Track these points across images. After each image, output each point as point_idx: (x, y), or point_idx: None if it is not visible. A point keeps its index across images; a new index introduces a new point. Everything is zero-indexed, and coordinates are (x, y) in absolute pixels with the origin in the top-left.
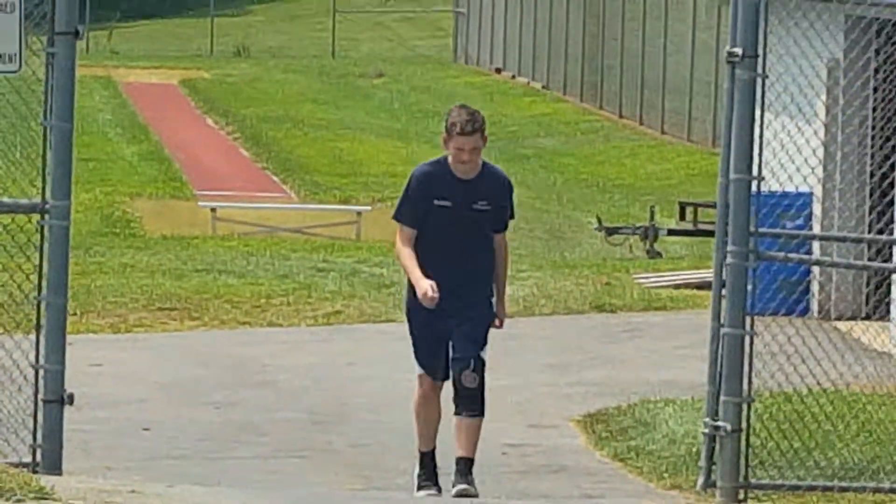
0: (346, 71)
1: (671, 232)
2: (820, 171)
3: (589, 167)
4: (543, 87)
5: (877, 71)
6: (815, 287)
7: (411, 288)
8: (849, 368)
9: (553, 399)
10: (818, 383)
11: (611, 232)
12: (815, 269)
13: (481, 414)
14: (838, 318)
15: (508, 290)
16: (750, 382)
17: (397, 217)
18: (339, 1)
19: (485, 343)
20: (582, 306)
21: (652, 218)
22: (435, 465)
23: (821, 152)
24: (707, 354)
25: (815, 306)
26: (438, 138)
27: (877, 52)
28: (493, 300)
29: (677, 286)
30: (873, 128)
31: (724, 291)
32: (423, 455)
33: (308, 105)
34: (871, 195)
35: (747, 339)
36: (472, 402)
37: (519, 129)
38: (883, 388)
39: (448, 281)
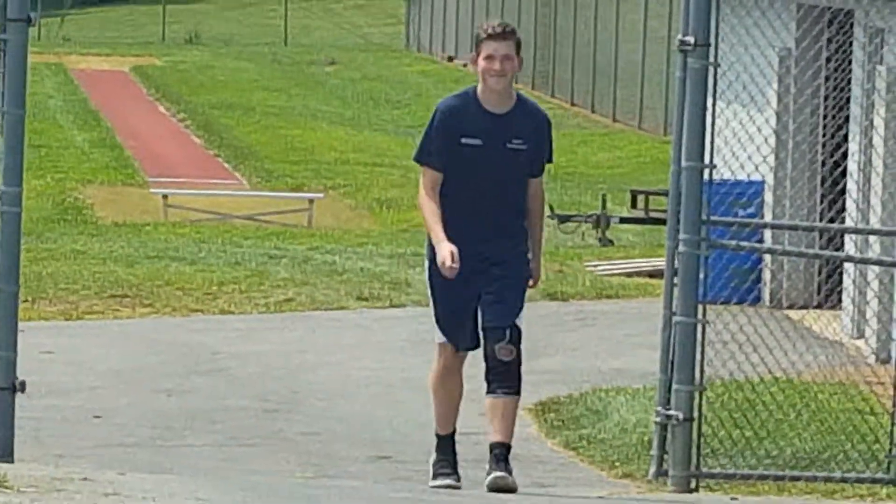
0: (298, 58)
1: (623, 220)
2: (772, 159)
3: None
4: None
5: (828, 60)
6: (766, 275)
7: (432, 245)
8: (800, 357)
9: None
10: (770, 372)
11: (563, 220)
12: (767, 258)
13: (518, 392)
14: (790, 307)
15: None
16: (702, 371)
17: (419, 158)
18: None
19: (521, 307)
20: (533, 294)
21: (604, 206)
22: (454, 451)
23: (772, 141)
24: (659, 343)
25: (766, 295)
26: (390, 126)
27: (828, 41)
28: (529, 256)
29: (629, 274)
30: (825, 117)
31: (675, 280)
32: (440, 439)
33: (260, 92)
34: (822, 184)
35: (699, 327)
36: (508, 378)
37: None
38: (834, 376)
39: (477, 233)
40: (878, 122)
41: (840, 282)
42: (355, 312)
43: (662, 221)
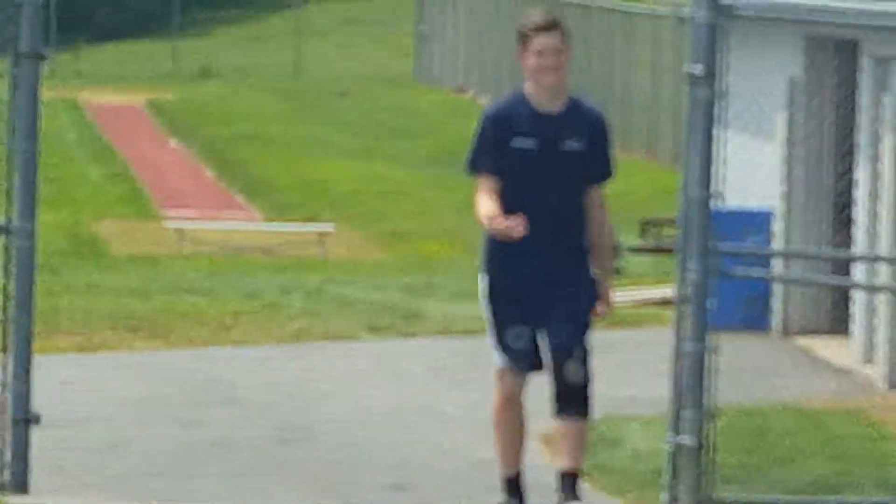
0: (310, 91)
1: (633, 249)
2: (780, 188)
3: None
4: None
5: (835, 89)
6: (775, 303)
7: (489, 250)
8: (810, 384)
9: None
10: (779, 399)
11: None
12: (776, 286)
13: (587, 415)
14: (799, 334)
15: (473, 306)
16: (712, 398)
17: (470, 167)
18: (304, 21)
19: (588, 326)
20: None
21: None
22: (522, 496)
23: (780, 169)
24: (669, 371)
25: (775, 322)
26: (404, 155)
27: (835, 70)
28: (593, 273)
29: (640, 303)
30: (832, 145)
31: (685, 308)
32: (507, 483)
33: (273, 125)
34: (830, 211)
35: (709, 354)
36: (576, 401)
37: None
38: (844, 403)
39: (537, 246)
40: (885, 150)
41: (848, 308)
42: (369, 343)
43: (672, 251)
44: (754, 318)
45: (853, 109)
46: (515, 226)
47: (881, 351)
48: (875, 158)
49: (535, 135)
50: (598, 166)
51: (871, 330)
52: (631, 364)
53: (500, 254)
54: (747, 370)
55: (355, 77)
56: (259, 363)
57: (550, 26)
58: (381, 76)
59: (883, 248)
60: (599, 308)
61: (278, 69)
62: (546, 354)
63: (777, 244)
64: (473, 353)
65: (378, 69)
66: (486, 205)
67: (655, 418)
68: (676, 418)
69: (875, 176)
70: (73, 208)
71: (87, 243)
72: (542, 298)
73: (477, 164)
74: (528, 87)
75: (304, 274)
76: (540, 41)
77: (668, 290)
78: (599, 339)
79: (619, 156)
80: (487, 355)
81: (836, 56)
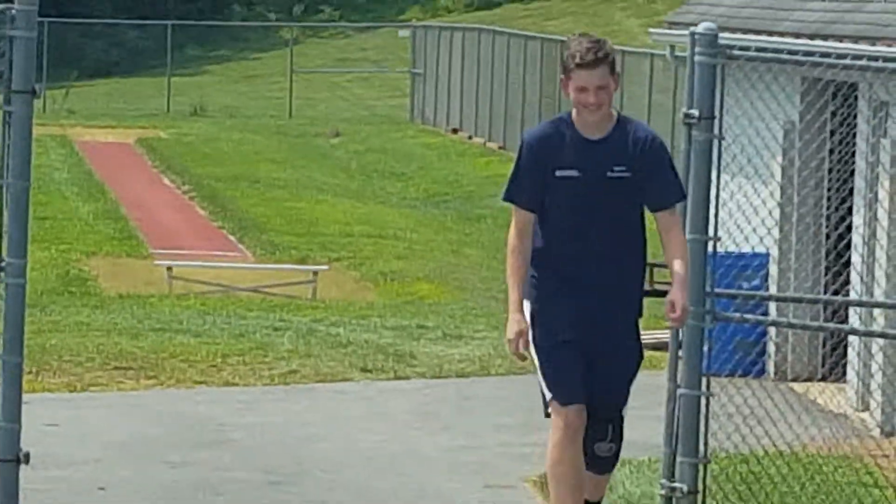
0: (302, 131)
1: None
2: (776, 231)
3: None
4: (499, 147)
5: (832, 133)
6: (771, 348)
7: (535, 287)
8: (805, 430)
9: (509, 459)
10: (774, 445)
11: None
12: (772, 330)
13: (612, 470)
14: (794, 380)
15: (465, 348)
16: (706, 443)
17: (507, 196)
18: (296, 61)
19: (629, 390)
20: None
21: None
22: None
23: (777, 213)
24: (663, 415)
25: (771, 367)
26: (394, 198)
27: (833, 113)
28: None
29: None
30: (829, 189)
31: (680, 352)
32: None
33: (265, 164)
34: (826, 256)
35: (703, 399)
36: (604, 467)
37: (475, 190)
38: (839, 449)
39: (582, 284)
40: (883, 194)
41: (844, 354)
42: (359, 384)
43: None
44: (750, 363)
45: (851, 153)
46: (517, 353)
47: (877, 397)
48: (873, 203)
49: (580, 162)
50: (654, 191)
51: (866, 376)
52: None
53: (546, 291)
54: (742, 415)
55: (348, 117)
56: (249, 404)
57: (596, 62)
58: (374, 117)
59: (880, 294)
60: (672, 315)
61: (271, 108)
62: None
63: (772, 288)
64: (463, 397)
65: (371, 109)
66: (514, 280)
67: (648, 462)
68: (671, 463)
69: (872, 220)
70: (63, 246)
71: (77, 281)
72: (589, 343)
73: (513, 195)
74: (574, 113)
75: (295, 314)
76: (582, 77)
77: (662, 334)
78: None
79: None
80: (476, 398)
81: (834, 99)
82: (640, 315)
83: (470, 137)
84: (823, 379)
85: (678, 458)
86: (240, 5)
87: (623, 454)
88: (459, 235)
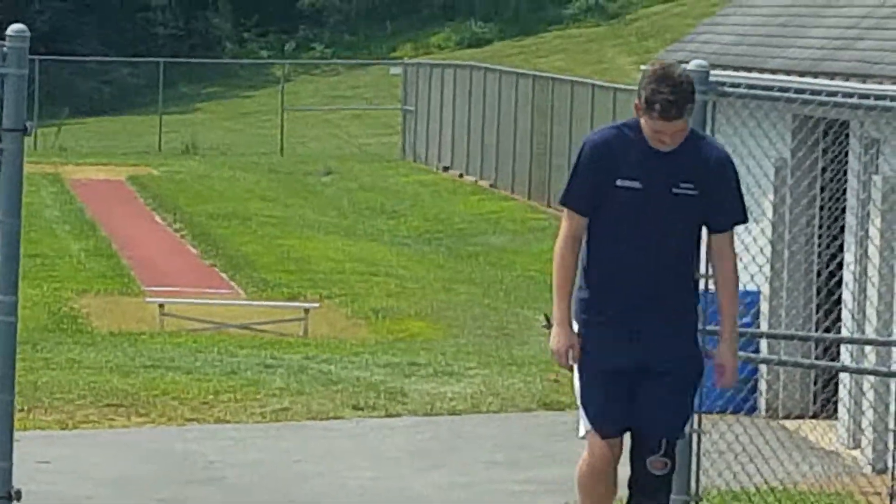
0: (294, 168)
1: None
2: (767, 269)
3: (537, 265)
4: (491, 185)
5: (824, 170)
6: (762, 385)
7: (583, 304)
8: (796, 467)
9: (501, 497)
10: (766, 482)
11: None
12: (763, 368)
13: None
14: (786, 417)
15: (457, 386)
16: (698, 481)
17: (563, 199)
18: (287, 98)
19: (688, 412)
20: (530, 404)
21: None
22: None
23: (768, 251)
24: None
25: (762, 404)
26: (385, 236)
27: (824, 151)
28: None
29: None
30: (820, 226)
31: None
32: None
33: (256, 202)
34: (818, 294)
35: (695, 437)
36: (657, 493)
37: (467, 227)
38: (831, 487)
39: (634, 302)
40: (874, 231)
41: (836, 391)
42: (351, 422)
43: None
44: (741, 401)
45: (842, 191)
46: (565, 365)
47: (868, 434)
48: (864, 240)
49: (645, 174)
50: (718, 212)
51: (858, 413)
52: None
53: (595, 309)
54: (734, 452)
55: (340, 155)
56: (240, 442)
57: (675, 116)
58: (365, 154)
59: (871, 331)
60: (722, 380)
61: (263, 146)
62: (631, 434)
63: (763, 326)
64: (454, 435)
65: (363, 147)
66: (562, 290)
67: None
68: None
69: (864, 258)
70: (55, 284)
71: (69, 319)
72: (640, 363)
73: (568, 197)
74: (643, 120)
75: (286, 352)
76: (660, 125)
77: None
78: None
79: None
80: (468, 436)
81: (825, 137)
82: (696, 334)
83: (461, 175)
84: (815, 416)
85: (671, 496)
86: (231, 42)
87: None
88: (451, 273)
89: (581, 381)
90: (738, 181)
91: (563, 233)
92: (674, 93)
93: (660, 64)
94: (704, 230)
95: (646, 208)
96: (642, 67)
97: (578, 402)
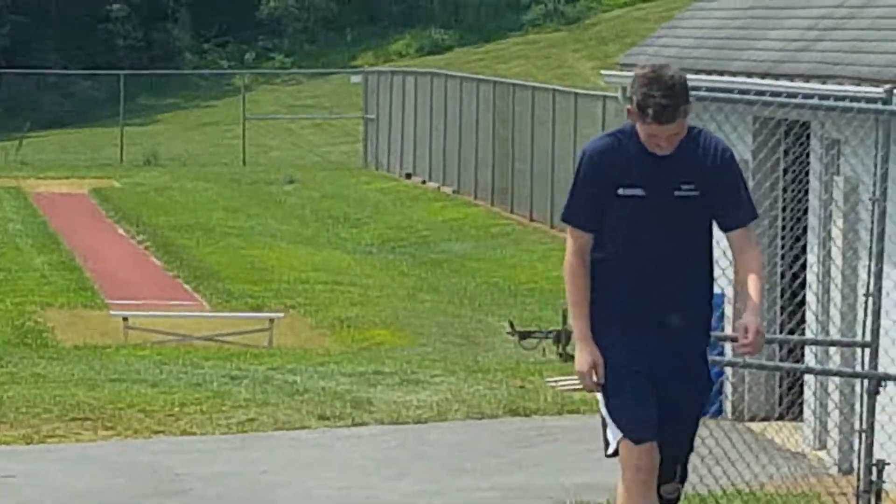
0: (256, 178)
1: None
2: (730, 272)
3: (501, 271)
4: (454, 191)
5: (785, 172)
6: (728, 388)
7: (597, 312)
8: (763, 469)
9: None
10: (732, 484)
11: (523, 336)
12: (728, 370)
13: None
14: (752, 419)
15: (423, 394)
16: None
17: (566, 216)
18: (248, 108)
19: (696, 428)
20: (496, 410)
21: (564, 321)
22: None
23: (731, 254)
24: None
25: (728, 407)
26: (349, 244)
27: (785, 152)
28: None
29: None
30: (783, 228)
31: None
32: None
33: (219, 212)
34: (781, 295)
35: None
36: None
37: (430, 234)
38: (797, 488)
39: (646, 315)
40: (836, 232)
41: (801, 393)
42: (317, 432)
43: None
44: (707, 404)
45: (804, 192)
46: (592, 383)
47: (833, 436)
48: (826, 241)
49: (646, 179)
50: (727, 208)
51: (823, 415)
52: (583, 451)
53: (606, 322)
54: (700, 455)
55: (302, 164)
56: (206, 453)
57: (670, 120)
58: (327, 163)
59: (835, 332)
60: (743, 340)
61: (224, 156)
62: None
63: (727, 329)
64: (421, 443)
65: (324, 156)
66: (579, 306)
67: None
68: None
69: (826, 259)
70: (18, 298)
71: (33, 333)
72: (656, 377)
73: (572, 214)
74: (638, 125)
75: (251, 363)
76: (654, 129)
77: None
78: (550, 425)
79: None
80: (434, 444)
81: (787, 138)
82: (709, 344)
83: (424, 182)
84: (780, 418)
85: None
86: (191, 53)
87: (583, 497)
88: (415, 280)
89: (606, 390)
90: (741, 173)
91: (570, 250)
92: (666, 96)
93: (650, 66)
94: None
95: (650, 214)
96: (602, 72)
97: (604, 413)
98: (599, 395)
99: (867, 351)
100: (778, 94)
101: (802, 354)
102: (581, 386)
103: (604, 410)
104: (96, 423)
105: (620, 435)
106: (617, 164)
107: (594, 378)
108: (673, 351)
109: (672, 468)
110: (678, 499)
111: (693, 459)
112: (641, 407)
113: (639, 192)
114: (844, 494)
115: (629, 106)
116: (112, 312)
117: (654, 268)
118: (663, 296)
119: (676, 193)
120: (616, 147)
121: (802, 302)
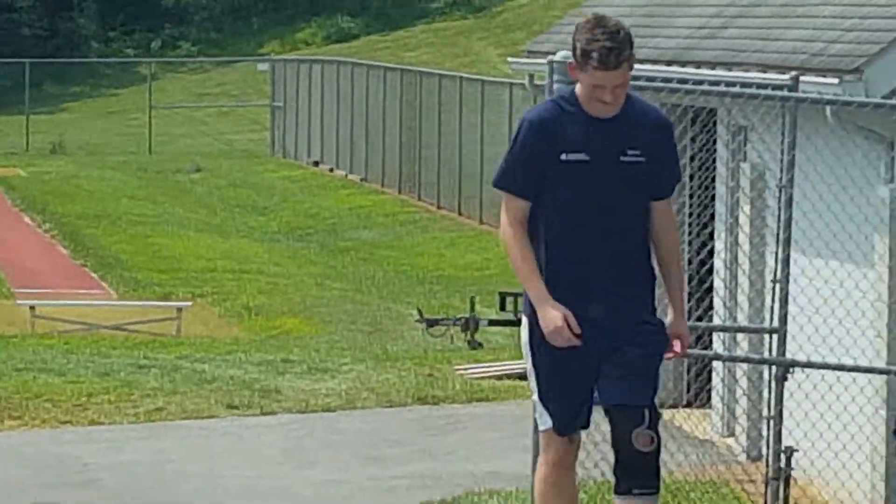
0: (163, 166)
1: (492, 322)
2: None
3: (409, 259)
4: (362, 179)
5: (692, 159)
6: None
7: (531, 302)
8: (671, 457)
9: (377, 493)
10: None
11: (431, 324)
12: None
13: (658, 490)
14: (660, 406)
15: (331, 382)
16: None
17: (501, 183)
18: (155, 96)
19: (657, 383)
20: (404, 399)
21: (472, 309)
22: None
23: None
24: (530, 445)
25: None
26: (256, 233)
27: (692, 139)
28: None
29: (499, 377)
30: (690, 215)
31: None
32: None
33: (126, 201)
34: (689, 282)
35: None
36: (647, 475)
37: (338, 222)
38: (706, 475)
39: (592, 283)
40: (743, 219)
41: (709, 380)
42: (226, 421)
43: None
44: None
45: (711, 178)
46: (568, 337)
47: (742, 423)
48: (734, 227)
49: (589, 144)
50: (664, 177)
51: (731, 402)
52: (491, 439)
53: (550, 289)
54: (608, 443)
55: (209, 152)
56: (115, 443)
57: (615, 64)
58: (234, 151)
59: (743, 319)
60: (676, 349)
61: (131, 145)
62: (609, 416)
63: None
64: (330, 431)
65: (231, 144)
66: (528, 269)
67: (516, 493)
68: None
69: (734, 245)
70: None
71: None
72: (602, 346)
73: (507, 180)
74: (580, 91)
75: (159, 352)
76: (598, 78)
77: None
78: (459, 413)
79: (476, 228)
80: (343, 432)
81: (693, 125)
82: (654, 306)
83: (331, 170)
84: (689, 405)
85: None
86: (97, 42)
87: (491, 485)
88: (323, 268)
89: (538, 376)
90: (675, 144)
91: (506, 219)
92: (610, 39)
93: (592, 15)
94: None
95: (595, 180)
96: (509, 59)
97: (534, 398)
98: (531, 377)
99: (775, 337)
100: (685, 82)
101: (710, 341)
102: (557, 340)
103: (535, 395)
104: (2, 414)
105: (548, 424)
106: (559, 130)
107: (574, 330)
108: (620, 315)
109: (640, 413)
110: (657, 455)
111: (602, 447)
112: (572, 400)
113: (582, 156)
114: (753, 481)
115: (571, 61)
116: (19, 301)
117: (598, 233)
118: (610, 266)
119: (622, 158)
120: (558, 112)
121: (710, 289)
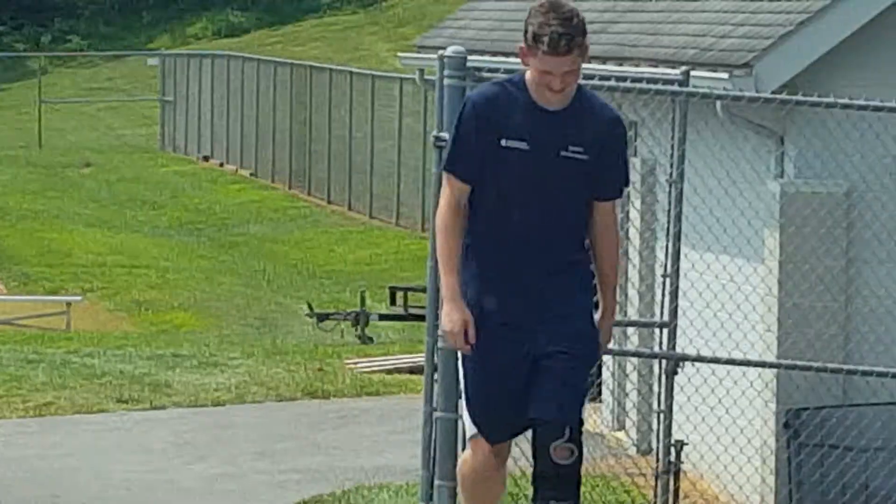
0: (53, 161)
1: (382, 317)
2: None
3: (298, 253)
4: (252, 174)
5: None
6: None
7: (461, 285)
8: None
9: (267, 487)
10: (530, 465)
11: (322, 318)
12: None
13: (577, 501)
14: None
15: (221, 377)
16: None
17: (447, 164)
18: (45, 91)
19: (585, 393)
20: (294, 393)
21: (362, 303)
22: None
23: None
24: (420, 439)
25: None
26: (146, 227)
27: None
28: (595, 315)
29: (389, 371)
30: None
31: (436, 375)
32: None
33: (15, 195)
34: None
35: (460, 422)
36: (565, 486)
37: (228, 217)
38: (596, 469)
39: (523, 279)
40: (634, 214)
41: (599, 374)
42: (116, 415)
43: (421, 318)
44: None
45: None
46: (464, 345)
47: (632, 416)
48: (624, 222)
49: (531, 134)
50: (608, 179)
51: (621, 395)
52: (381, 432)
53: (473, 290)
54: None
55: (99, 147)
56: (3, 437)
57: (566, 50)
58: (124, 146)
59: (633, 313)
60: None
61: (20, 139)
62: (536, 425)
63: None
64: (220, 426)
65: (121, 139)
66: (449, 261)
67: (407, 487)
68: (429, 487)
69: (624, 240)
70: None
71: None
72: (529, 353)
73: (451, 163)
74: (529, 77)
75: (49, 346)
76: (548, 63)
77: (417, 358)
78: (349, 407)
79: (366, 223)
80: (233, 427)
81: None
82: (591, 309)
83: (221, 165)
84: None
85: (436, 482)
86: None
87: (381, 478)
88: (213, 263)
89: (466, 381)
90: (626, 144)
91: (443, 202)
92: (563, 25)
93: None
94: None
95: (533, 171)
96: (399, 54)
97: (462, 402)
98: (462, 383)
99: (665, 331)
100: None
101: None
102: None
103: (462, 400)
104: None
105: (474, 430)
106: (502, 113)
107: (468, 339)
108: (549, 320)
109: (560, 428)
110: (577, 467)
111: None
112: (497, 407)
113: (522, 145)
114: (643, 475)
115: (522, 45)
116: None
117: (534, 228)
118: (543, 262)
119: (562, 153)
120: (502, 95)
121: None
